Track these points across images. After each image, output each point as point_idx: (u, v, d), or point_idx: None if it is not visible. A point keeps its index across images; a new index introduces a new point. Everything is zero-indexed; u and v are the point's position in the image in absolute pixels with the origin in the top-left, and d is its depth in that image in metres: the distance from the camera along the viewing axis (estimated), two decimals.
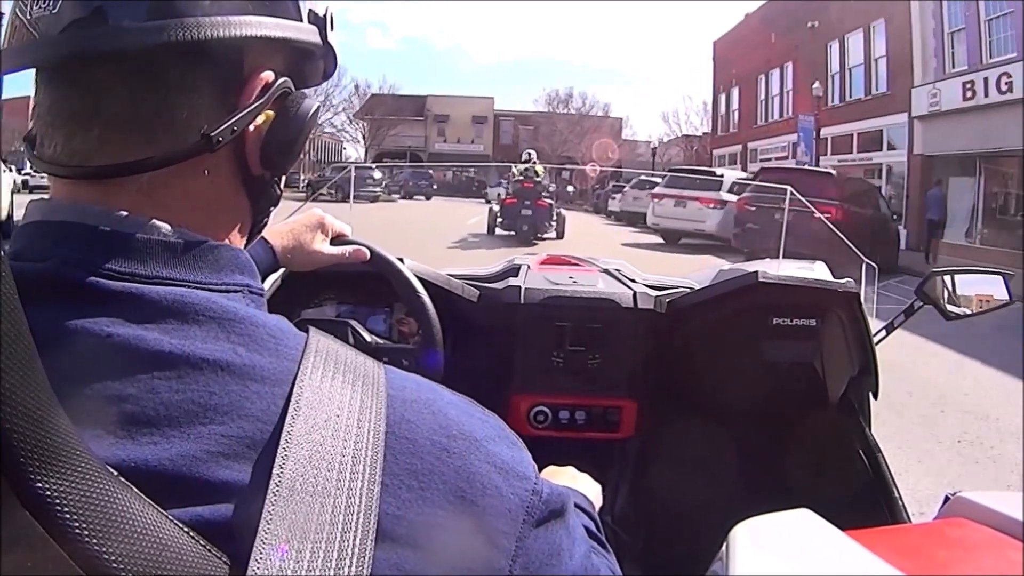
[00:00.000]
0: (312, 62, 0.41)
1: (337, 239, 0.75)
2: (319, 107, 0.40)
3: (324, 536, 0.29)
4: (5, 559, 0.25)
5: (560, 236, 9.96)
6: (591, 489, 0.62)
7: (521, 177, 9.95)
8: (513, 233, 9.70)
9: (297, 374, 0.32)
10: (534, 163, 10.53)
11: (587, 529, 0.43)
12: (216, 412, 0.30)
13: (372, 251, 0.75)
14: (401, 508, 0.31)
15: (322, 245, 0.74)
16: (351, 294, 0.91)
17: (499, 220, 10.14)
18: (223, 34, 0.34)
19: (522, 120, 35.80)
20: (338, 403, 0.32)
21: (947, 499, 0.64)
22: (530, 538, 0.34)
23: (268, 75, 0.37)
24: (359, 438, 0.32)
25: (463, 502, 0.33)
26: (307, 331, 0.35)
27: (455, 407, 0.35)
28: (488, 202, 15.39)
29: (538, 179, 9.93)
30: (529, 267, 1.07)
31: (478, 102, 36.73)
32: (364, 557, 0.29)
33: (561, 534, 0.36)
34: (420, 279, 0.78)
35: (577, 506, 0.44)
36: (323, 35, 0.39)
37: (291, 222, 0.75)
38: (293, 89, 0.39)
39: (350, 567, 0.29)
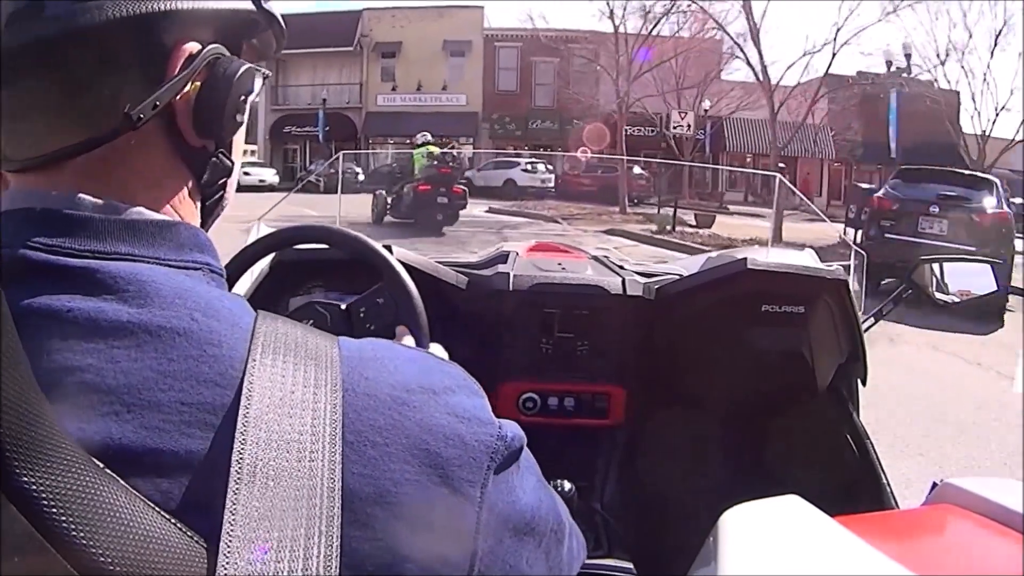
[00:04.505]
0: (256, 32, 0.75)
1: None
2: (249, 68, 0.72)
3: (290, 522, 0.53)
4: None
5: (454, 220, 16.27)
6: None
7: (436, 162, 16.10)
8: (412, 221, 15.69)
9: (249, 354, 0.59)
10: (452, 148, 16.01)
11: None
12: (174, 378, 0.56)
13: (393, 267, 1.33)
14: (368, 467, 0.58)
15: None
16: (338, 282, 1.69)
17: (390, 206, 16.48)
18: (138, 10, 0.61)
19: (537, 47, 34.92)
20: (291, 381, 0.58)
21: (934, 486, 1.16)
22: (491, 483, 0.63)
23: (192, 46, 0.67)
24: (316, 415, 0.57)
25: (427, 454, 0.60)
26: (256, 313, 0.64)
27: (413, 362, 0.66)
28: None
29: (455, 164, 14.73)
30: (518, 254, 2.02)
31: (454, 15, 36.40)
32: (332, 538, 0.54)
33: (514, 471, 0.67)
34: (408, 266, 1.38)
35: None
36: (256, 2, 0.73)
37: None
38: (227, 55, 0.70)
39: (319, 550, 0.53)
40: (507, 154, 34.72)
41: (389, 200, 17.06)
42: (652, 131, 31.74)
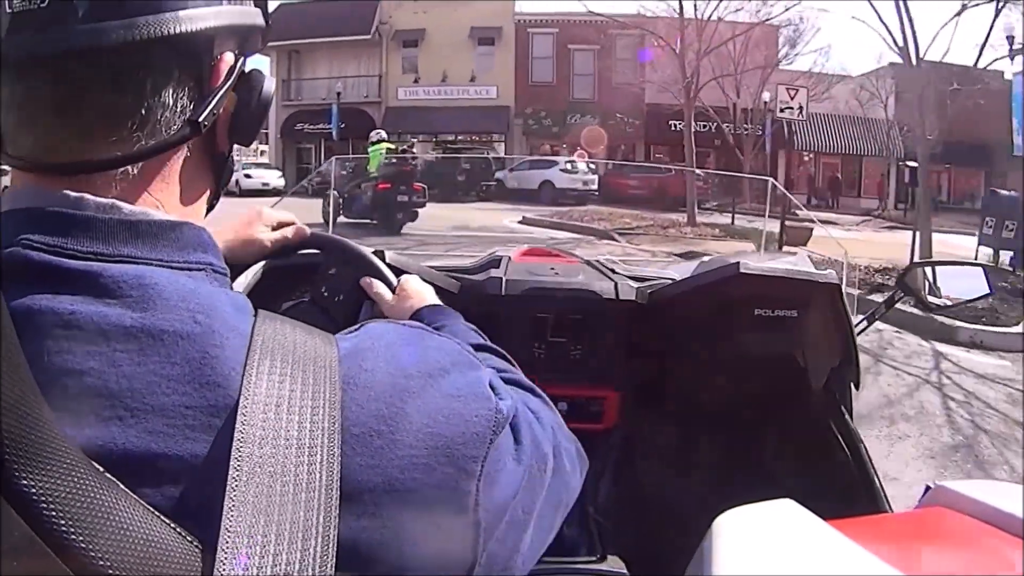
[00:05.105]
0: (253, 36, 0.87)
1: (278, 227, 1.51)
2: (269, 78, 0.89)
3: (288, 519, 0.61)
4: None
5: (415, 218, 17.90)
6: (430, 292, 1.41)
7: (395, 160, 17.91)
8: (369, 221, 17.10)
9: (248, 355, 0.68)
10: (411, 145, 17.94)
11: (527, 405, 0.93)
12: (177, 382, 0.64)
13: (320, 235, 1.54)
14: (375, 457, 0.68)
15: (263, 234, 1.47)
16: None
17: (343, 206, 17.75)
18: (199, 27, 0.74)
19: (575, 33, 35.08)
20: (290, 381, 0.68)
21: (928, 489, 1.34)
22: (490, 454, 0.76)
23: (231, 57, 0.81)
24: (315, 412, 0.66)
25: (432, 437, 0.71)
26: (256, 314, 0.74)
27: (409, 345, 0.79)
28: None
29: (414, 162, 16.33)
30: (511, 258, 2.27)
31: (481, 2, 35.91)
32: (329, 534, 0.62)
33: (506, 436, 0.80)
34: (398, 270, 1.71)
35: (508, 381, 0.95)
36: (265, 16, 0.87)
37: (229, 219, 1.44)
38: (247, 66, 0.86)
39: (316, 547, 0.61)
40: (529, 157, 34.36)
41: (341, 200, 18.45)
42: (705, 126, 31.41)
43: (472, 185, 30.37)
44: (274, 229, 1.53)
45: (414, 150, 19.39)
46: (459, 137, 37.49)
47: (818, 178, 34.01)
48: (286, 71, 38.91)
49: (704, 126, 31.41)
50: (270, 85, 0.88)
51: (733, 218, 22.37)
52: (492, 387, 0.82)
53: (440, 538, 0.71)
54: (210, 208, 0.90)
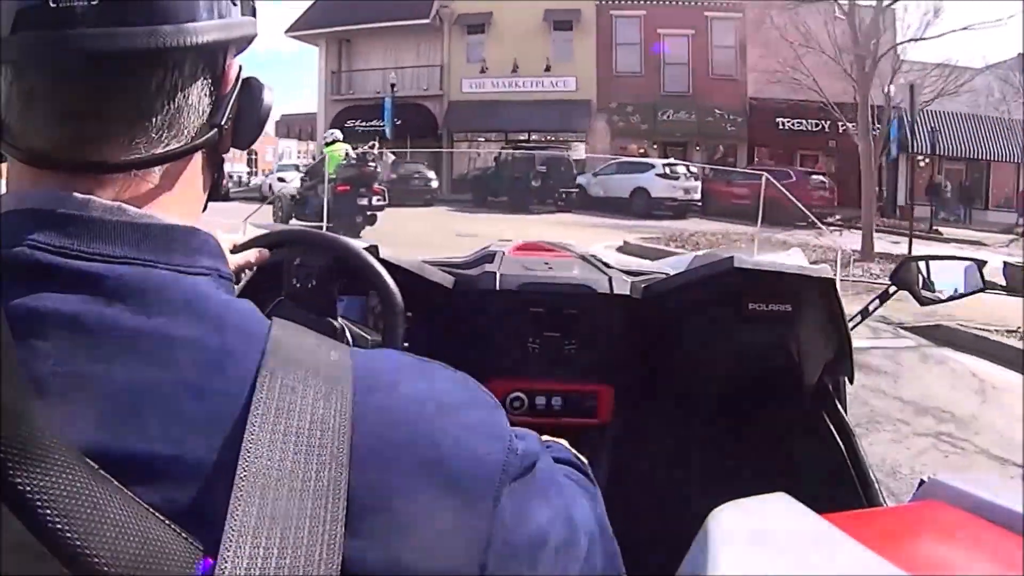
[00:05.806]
0: (245, 45, 0.97)
1: (235, 248, 1.68)
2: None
3: (293, 524, 0.67)
4: None
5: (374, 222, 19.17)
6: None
7: (356, 161, 19.31)
8: (324, 224, 17.96)
9: (262, 360, 0.75)
10: (372, 146, 19.14)
11: (568, 476, 1.03)
12: (183, 387, 0.70)
13: (269, 233, 1.74)
14: (377, 479, 0.74)
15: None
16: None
17: (296, 209, 19.99)
18: (231, 35, 0.86)
19: (665, 16, 34.53)
20: (301, 392, 0.74)
21: (922, 482, 1.39)
22: (504, 497, 0.80)
23: (236, 65, 0.93)
24: (324, 425, 0.73)
25: (438, 468, 0.77)
26: (271, 319, 0.82)
27: (426, 376, 0.85)
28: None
29: (373, 164, 19.82)
30: (505, 253, 2.61)
31: None
32: (334, 544, 0.68)
33: (534, 488, 0.86)
34: (393, 266, 2.01)
35: (558, 459, 1.07)
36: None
37: None
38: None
39: (320, 555, 0.67)
40: (619, 158, 33.58)
41: (293, 200, 20.48)
42: (818, 125, 31.13)
43: (549, 192, 29.83)
44: (232, 250, 1.73)
45: (375, 150, 21.20)
46: (533, 136, 36.99)
47: (930, 186, 32.61)
48: (336, 62, 39.45)
49: (816, 124, 31.18)
50: (269, 92, 1.00)
51: (910, 245, 18.58)
52: (516, 434, 0.88)
53: (440, 571, 0.75)
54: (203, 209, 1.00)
